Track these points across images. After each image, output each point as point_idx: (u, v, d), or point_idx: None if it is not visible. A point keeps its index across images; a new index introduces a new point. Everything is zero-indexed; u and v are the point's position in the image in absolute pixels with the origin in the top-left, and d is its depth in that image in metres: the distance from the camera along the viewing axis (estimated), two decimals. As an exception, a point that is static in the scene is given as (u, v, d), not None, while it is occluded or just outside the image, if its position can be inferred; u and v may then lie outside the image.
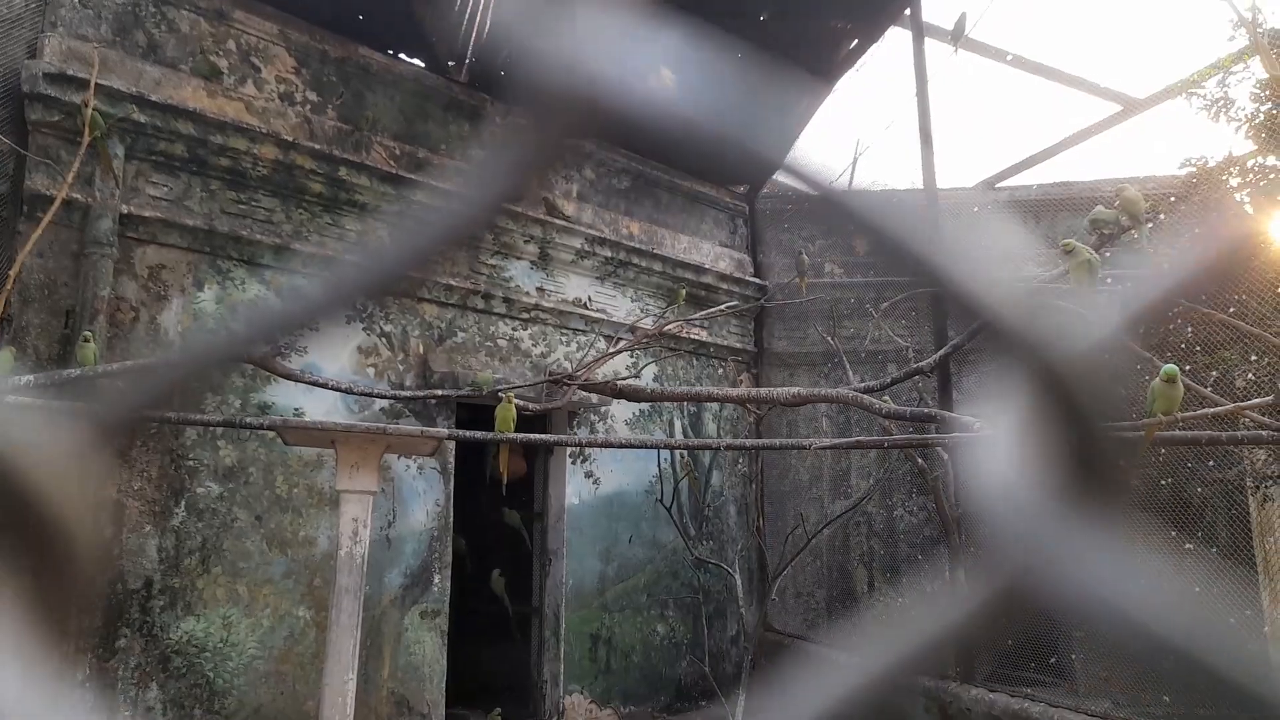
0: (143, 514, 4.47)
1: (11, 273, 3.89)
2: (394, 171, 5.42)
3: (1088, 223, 4.26)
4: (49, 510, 0.37)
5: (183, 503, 4.60)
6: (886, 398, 4.97)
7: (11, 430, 0.38)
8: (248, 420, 4.20)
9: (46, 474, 0.38)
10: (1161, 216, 5.20)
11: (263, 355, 4.32)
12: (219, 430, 4.72)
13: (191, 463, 4.65)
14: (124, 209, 4.48)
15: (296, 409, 4.99)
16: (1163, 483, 4.74)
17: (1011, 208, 6.87)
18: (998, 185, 7.08)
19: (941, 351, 4.88)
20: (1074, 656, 5.21)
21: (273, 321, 0.45)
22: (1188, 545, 4.42)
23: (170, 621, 4.48)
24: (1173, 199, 5.35)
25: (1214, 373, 4.33)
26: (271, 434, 4.61)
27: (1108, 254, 4.98)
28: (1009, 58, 6.75)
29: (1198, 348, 4.57)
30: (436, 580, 5.56)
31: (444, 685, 5.51)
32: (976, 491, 0.40)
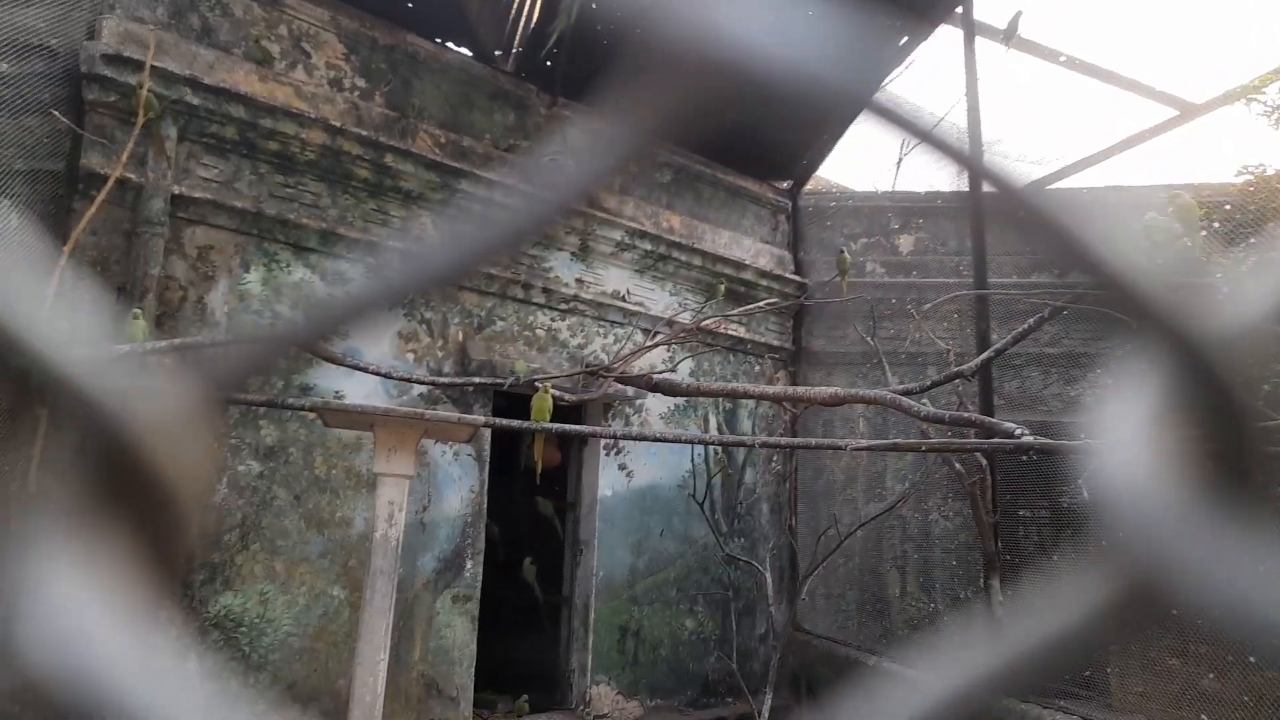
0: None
1: (66, 249, 3.98)
2: (439, 159, 5.46)
3: (1140, 229, 4.16)
4: (164, 470, 0.38)
5: (224, 480, 4.68)
6: (926, 401, 4.90)
7: (132, 389, 0.38)
8: (289, 401, 4.26)
9: (164, 432, 0.38)
10: (1215, 225, 5.07)
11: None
12: (261, 410, 4.80)
13: (234, 441, 4.73)
14: (175, 190, 4.56)
15: (337, 392, 5.05)
16: None
17: (1061, 212, 6.73)
18: (1047, 188, 6.94)
19: (984, 355, 4.80)
20: (1109, 671, 5.11)
21: (333, 315, 0.45)
22: None
23: (209, 596, 4.57)
24: (1228, 207, 5.21)
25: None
26: (312, 415, 4.68)
27: (1159, 262, 4.88)
28: (1062, 59, 6.61)
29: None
30: (469, 566, 5.60)
31: (473, 670, 5.56)
32: (1104, 493, 0.38)
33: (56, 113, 4.12)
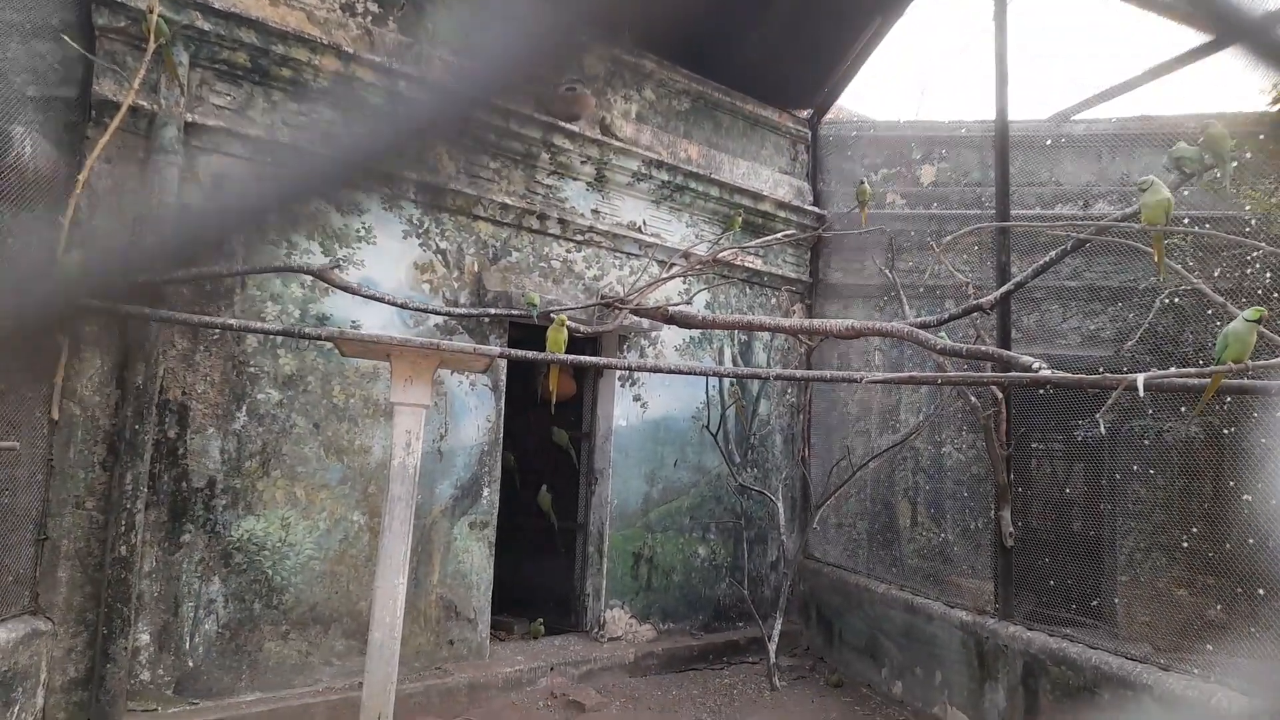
0: (206, 416, 4.63)
1: (81, 177, 3.97)
2: (452, 86, 5.37)
3: (1168, 159, 4.07)
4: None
5: (244, 407, 4.76)
6: (943, 334, 4.88)
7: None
8: (306, 330, 4.29)
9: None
10: (1249, 155, 4.95)
11: (321, 268, 4.40)
12: (279, 339, 4.84)
13: (253, 369, 4.79)
14: (188, 117, 4.52)
15: (354, 321, 5.08)
16: (1225, 431, 4.62)
17: (1087, 142, 6.58)
18: (1073, 118, 6.77)
19: (1004, 288, 4.76)
20: (1116, 601, 5.19)
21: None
22: (1246, 496, 4.32)
23: (232, 520, 4.68)
24: (1261, 136, 5.07)
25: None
26: (329, 345, 4.72)
27: (1185, 193, 4.77)
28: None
29: (1276, 294, 4.39)
30: (486, 493, 5.70)
31: (490, 593, 5.71)
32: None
33: (67, 38, 4.07)
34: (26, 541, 3.99)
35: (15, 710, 3.79)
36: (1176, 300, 4.70)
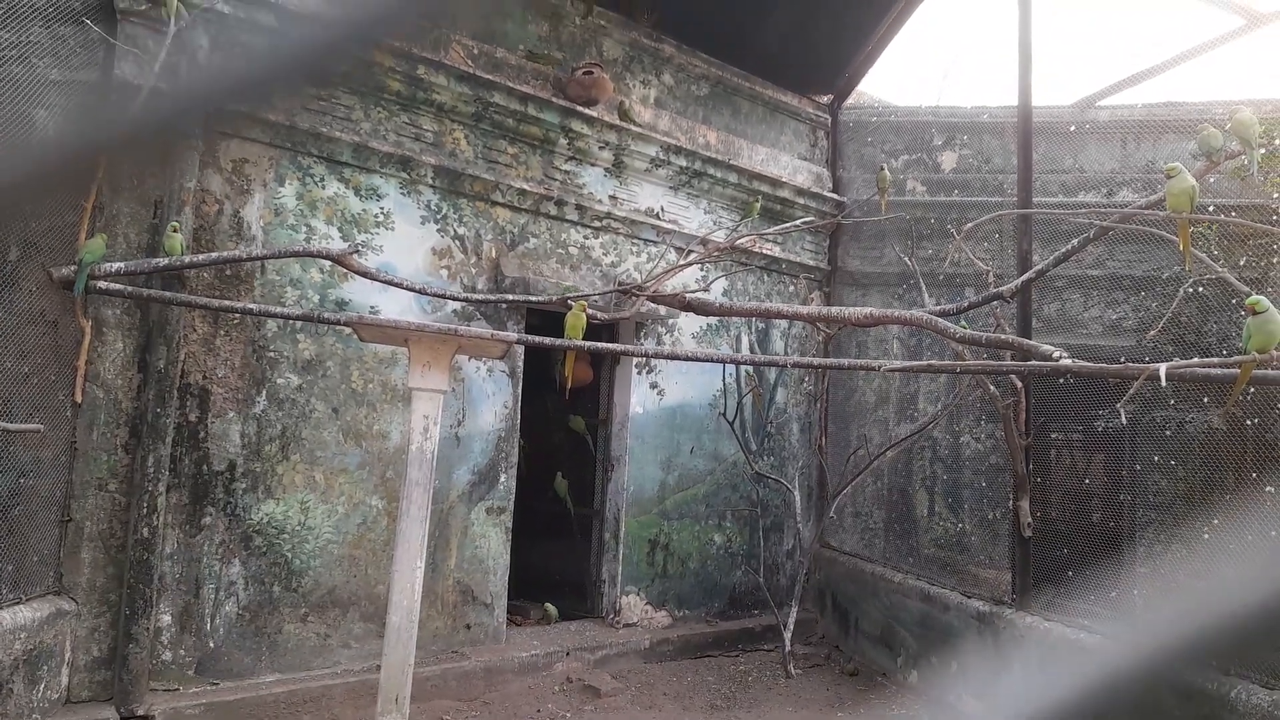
0: (226, 400, 4.67)
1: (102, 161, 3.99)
2: (471, 71, 5.36)
3: (1195, 146, 4.00)
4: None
5: (264, 392, 4.79)
6: (963, 322, 4.85)
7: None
8: (325, 315, 4.31)
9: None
10: (1277, 141, 4.86)
11: (340, 253, 4.41)
12: (298, 324, 4.86)
13: (272, 354, 4.82)
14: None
15: (372, 307, 5.10)
16: (1249, 422, 4.56)
17: (1111, 128, 6.48)
18: (1098, 104, 6.67)
19: (1024, 277, 4.72)
20: (1136, 593, 5.15)
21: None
22: (1269, 488, 4.27)
23: (252, 503, 4.72)
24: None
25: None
26: (348, 330, 4.74)
27: (1211, 180, 4.69)
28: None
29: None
30: (503, 479, 5.73)
31: (507, 578, 5.74)
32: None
33: (89, 21, 4.09)
34: (51, 523, 4.04)
35: (41, 688, 3.85)
36: (1200, 289, 4.64)
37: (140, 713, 4.14)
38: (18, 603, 3.77)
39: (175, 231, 4.15)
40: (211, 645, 4.56)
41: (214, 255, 4.33)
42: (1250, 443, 4.48)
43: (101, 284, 4.00)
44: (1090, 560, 5.25)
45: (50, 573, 4.06)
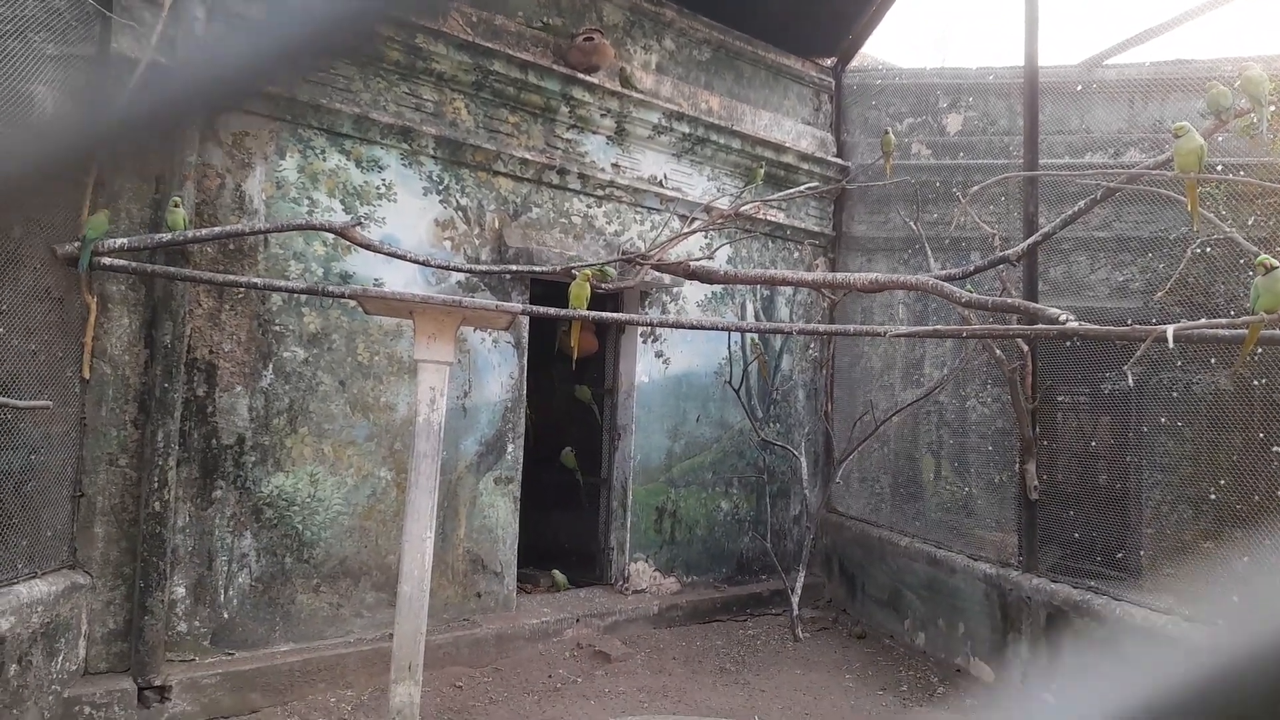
0: (233, 375, 4.69)
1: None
2: (470, 39, 5.30)
3: (1204, 104, 3.95)
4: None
5: (270, 366, 4.80)
6: (969, 286, 4.83)
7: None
8: (330, 288, 4.31)
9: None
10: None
11: (343, 225, 4.40)
12: (303, 297, 4.86)
13: (278, 328, 4.83)
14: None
15: (376, 279, 5.10)
16: (1256, 383, 4.55)
17: (1119, 88, 6.39)
18: (1105, 63, 6.58)
19: (1031, 240, 4.69)
20: (1141, 553, 5.17)
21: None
22: (1276, 448, 4.27)
23: (262, 476, 4.76)
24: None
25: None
26: (353, 303, 4.74)
27: (1220, 139, 4.64)
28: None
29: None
30: (510, 449, 5.75)
31: (516, 547, 5.79)
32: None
33: (83, -5, 4.05)
34: (63, 498, 4.08)
35: (59, 659, 3.91)
36: (1208, 250, 4.60)
37: (157, 683, 4.21)
38: (34, 577, 3.82)
39: (177, 206, 4.14)
40: (226, 616, 4.61)
41: (217, 229, 4.33)
42: (1258, 403, 4.47)
43: (106, 260, 4.00)
44: (1097, 522, 5.27)
45: (64, 547, 4.10)
